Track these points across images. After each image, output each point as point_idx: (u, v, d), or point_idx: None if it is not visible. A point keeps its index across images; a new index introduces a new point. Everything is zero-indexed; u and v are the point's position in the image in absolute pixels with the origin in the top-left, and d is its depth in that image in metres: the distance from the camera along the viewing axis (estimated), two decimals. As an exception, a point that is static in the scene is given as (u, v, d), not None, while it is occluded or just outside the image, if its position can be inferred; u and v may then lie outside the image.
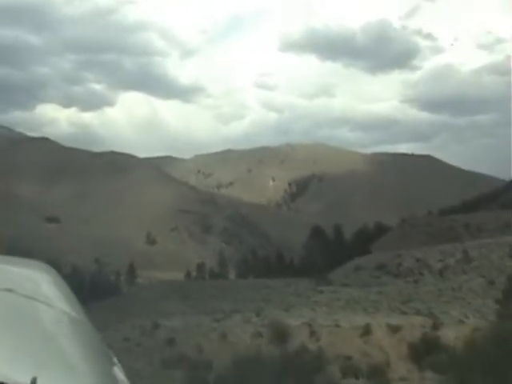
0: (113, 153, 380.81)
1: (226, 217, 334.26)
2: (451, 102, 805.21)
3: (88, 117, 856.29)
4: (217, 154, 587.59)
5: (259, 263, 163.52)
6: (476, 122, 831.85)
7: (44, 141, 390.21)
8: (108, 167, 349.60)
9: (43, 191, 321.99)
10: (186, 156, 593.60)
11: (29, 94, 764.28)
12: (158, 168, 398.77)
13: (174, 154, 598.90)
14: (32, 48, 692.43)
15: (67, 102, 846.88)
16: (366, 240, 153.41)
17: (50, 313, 2.50)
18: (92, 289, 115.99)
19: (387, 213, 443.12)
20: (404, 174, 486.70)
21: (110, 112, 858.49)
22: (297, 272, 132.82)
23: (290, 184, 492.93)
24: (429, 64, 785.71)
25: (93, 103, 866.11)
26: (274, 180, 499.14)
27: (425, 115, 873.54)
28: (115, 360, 2.24)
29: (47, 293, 2.69)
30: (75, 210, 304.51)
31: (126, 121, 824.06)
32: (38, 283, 2.78)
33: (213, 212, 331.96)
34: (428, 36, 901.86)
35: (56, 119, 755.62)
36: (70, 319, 2.57)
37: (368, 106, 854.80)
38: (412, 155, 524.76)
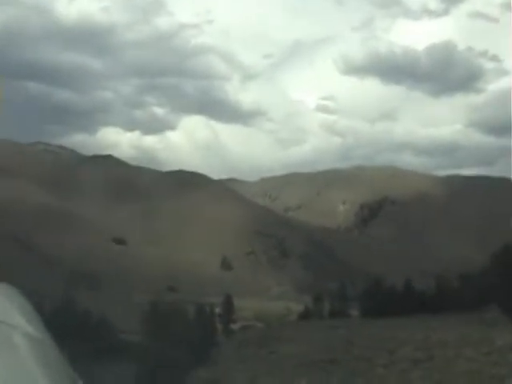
0: (181, 171, 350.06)
1: (302, 241, 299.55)
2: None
3: (150, 140, 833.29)
4: (282, 176, 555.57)
5: (385, 296, 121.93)
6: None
7: (108, 158, 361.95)
8: (177, 186, 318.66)
9: (108, 211, 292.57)
10: (250, 179, 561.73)
11: (91, 117, 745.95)
12: (228, 188, 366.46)
13: (238, 177, 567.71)
14: (95, 72, 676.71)
15: (129, 126, 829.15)
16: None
17: (12, 334, 2.38)
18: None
19: (466, 242, 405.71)
20: (481, 199, 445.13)
21: (171, 135, 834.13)
22: (441, 306, 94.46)
23: (361, 207, 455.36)
24: (493, 86, 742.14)
25: (154, 127, 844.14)
26: (344, 203, 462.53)
27: (490, 139, 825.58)
28: (79, 381, 2.32)
29: (9, 314, 2.54)
30: (142, 231, 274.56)
31: (187, 144, 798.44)
32: (0, 305, 2.66)
33: (289, 235, 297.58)
34: (493, 58, 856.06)
35: (118, 142, 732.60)
36: (33, 340, 2.45)
37: (431, 129, 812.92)
38: (489, 178, 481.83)
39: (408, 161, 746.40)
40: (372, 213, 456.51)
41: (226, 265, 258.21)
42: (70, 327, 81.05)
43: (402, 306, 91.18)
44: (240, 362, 48.56)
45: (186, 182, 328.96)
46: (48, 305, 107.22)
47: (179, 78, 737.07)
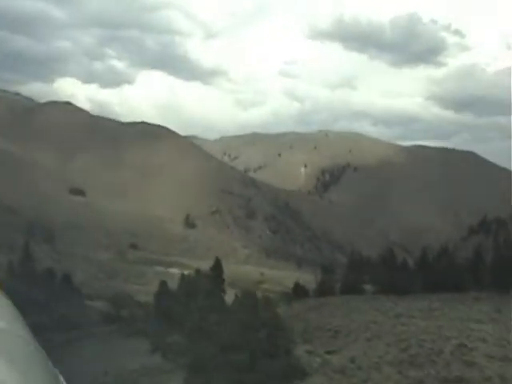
0: (144, 123, 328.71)
1: (268, 202, 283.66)
2: (474, 102, 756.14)
3: (107, 93, 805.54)
4: (242, 136, 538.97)
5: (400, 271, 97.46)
6: (497, 123, 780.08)
7: (66, 105, 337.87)
8: (139, 137, 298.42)
9: (67, 159, 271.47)
10: (209, 138, 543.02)
11: (49, 67, 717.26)
12: (192, 144, 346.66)
13: (197, 135, 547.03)
14: (55, 21, 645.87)
15: (87, 78, 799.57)
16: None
17: None
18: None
19: (429, 210, 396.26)
20: (445, 170, 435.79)
21: (129, 90, 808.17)
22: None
23: (323, 172, 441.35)
24: (454, 61, 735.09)
25: (113, 80, 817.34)
26: (305, 166, 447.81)
27: (448, 113, 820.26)
28: (61, 378, 2.29)
29: None
30: (103, 183, 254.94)
31: (145, 99, 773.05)
32: None
33: (255, 196, 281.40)
34: (456, 32, 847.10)
35: (75, 94, 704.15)
36: (14, 338, 2.38)
37: (391, 100, 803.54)
38: (454, 150, 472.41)
39: (366, 130, 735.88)
40: (333, 178, 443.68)
41: (189, 223, 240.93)
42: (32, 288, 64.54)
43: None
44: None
45: (149, 133, 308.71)
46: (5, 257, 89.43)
47: (141, 32, 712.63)
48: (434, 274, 77.77)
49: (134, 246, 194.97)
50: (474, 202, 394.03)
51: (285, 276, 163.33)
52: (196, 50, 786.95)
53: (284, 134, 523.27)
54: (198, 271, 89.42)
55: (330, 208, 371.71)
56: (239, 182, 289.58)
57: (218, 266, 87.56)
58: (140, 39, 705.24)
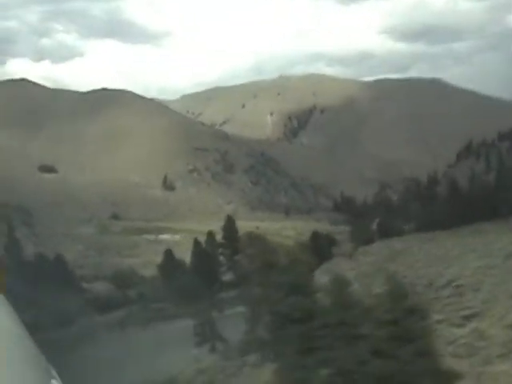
0: (104, 90, 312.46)
1: (244, 154, 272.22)
2: (427, 31, 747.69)
3: (60, 68, 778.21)
4: (203, 92, 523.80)
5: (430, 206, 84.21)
6: (451, 50, 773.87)
7: (22, 82, 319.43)
8: (101, 105, 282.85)
9: (29, 138, 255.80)
10: (171, 98, 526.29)
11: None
12: (158, 104, 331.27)
13: (156, 97, 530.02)
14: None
15: (38, 56, 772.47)
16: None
17: None
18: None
19: (401, 143, 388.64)
20: (412, 101, 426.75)
21: (82, 62, 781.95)
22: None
23: (290, 117, 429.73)
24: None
25: (64, 54, 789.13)
26: (271, 114, 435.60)
27: (402, 46, 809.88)
28: (54, 373, 2.32)
29: None
30: (71, 157, 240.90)
31: (99, 69, 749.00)
32: None
33: (230, 149, 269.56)
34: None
35: (28, 74, 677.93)
36: (9, 333, 2.33)
37: (343, 38, 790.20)
38: (419, 79, 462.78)
39: (323, 71, 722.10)
40: (301, 123, 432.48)
41: (168, 185, 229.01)
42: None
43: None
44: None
45: (111, 100, 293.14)
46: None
47: (85, 2, 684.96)
48: (466, 205, 68.72)
49: (115, 217, 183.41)
50: (444, 130, 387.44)
51: (281, 227, 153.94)
52: (143, 13, 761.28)
53: (245, 85, 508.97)
54: (210, 233, 78.74)
55: (303, 153, 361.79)
56: (211, 137, 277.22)
57: (230, 225, 77.03)
58: (85, 10, 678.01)
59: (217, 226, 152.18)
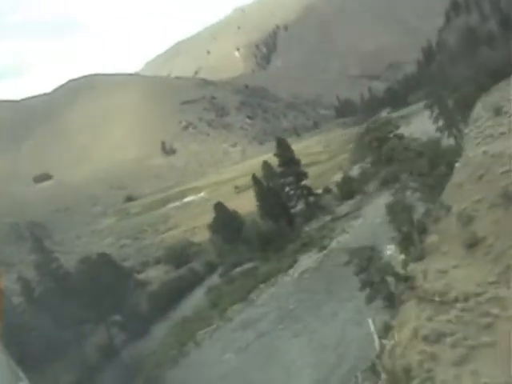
0: (71, 81, 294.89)
1: (231, 92, 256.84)
2: None
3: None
4: (165, 53, 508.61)
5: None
6: None
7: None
8: (75, 95, 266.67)
9: (13, 151, 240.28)
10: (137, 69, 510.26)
11: None
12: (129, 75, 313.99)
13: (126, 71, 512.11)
14: None
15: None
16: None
17: None
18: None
19: (377, 33, 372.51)
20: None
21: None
22: None
23: (257, 46, 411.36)
24: None
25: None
26: (238, 49, 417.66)
27: None
28: (22, 375, 2.43)
29: None
30: (60, 158, 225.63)
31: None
32: None
33: (217, 92, 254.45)
34: None
35: None
36: None
37: None
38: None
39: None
40: (270, 47, 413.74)
41: (167, 150, 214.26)
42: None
43: None
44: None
45: (82, 87, 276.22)
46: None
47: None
48: None
49: (129, 199, 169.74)
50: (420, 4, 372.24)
51: (304, 146, 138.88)
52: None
53: (203, 30, 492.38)
54: (265, 163, 64.25)
55: (282, 73, 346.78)
56: (192, 88, 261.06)
57: (283, 148, 63.02)
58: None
59: (233, 170, 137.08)
